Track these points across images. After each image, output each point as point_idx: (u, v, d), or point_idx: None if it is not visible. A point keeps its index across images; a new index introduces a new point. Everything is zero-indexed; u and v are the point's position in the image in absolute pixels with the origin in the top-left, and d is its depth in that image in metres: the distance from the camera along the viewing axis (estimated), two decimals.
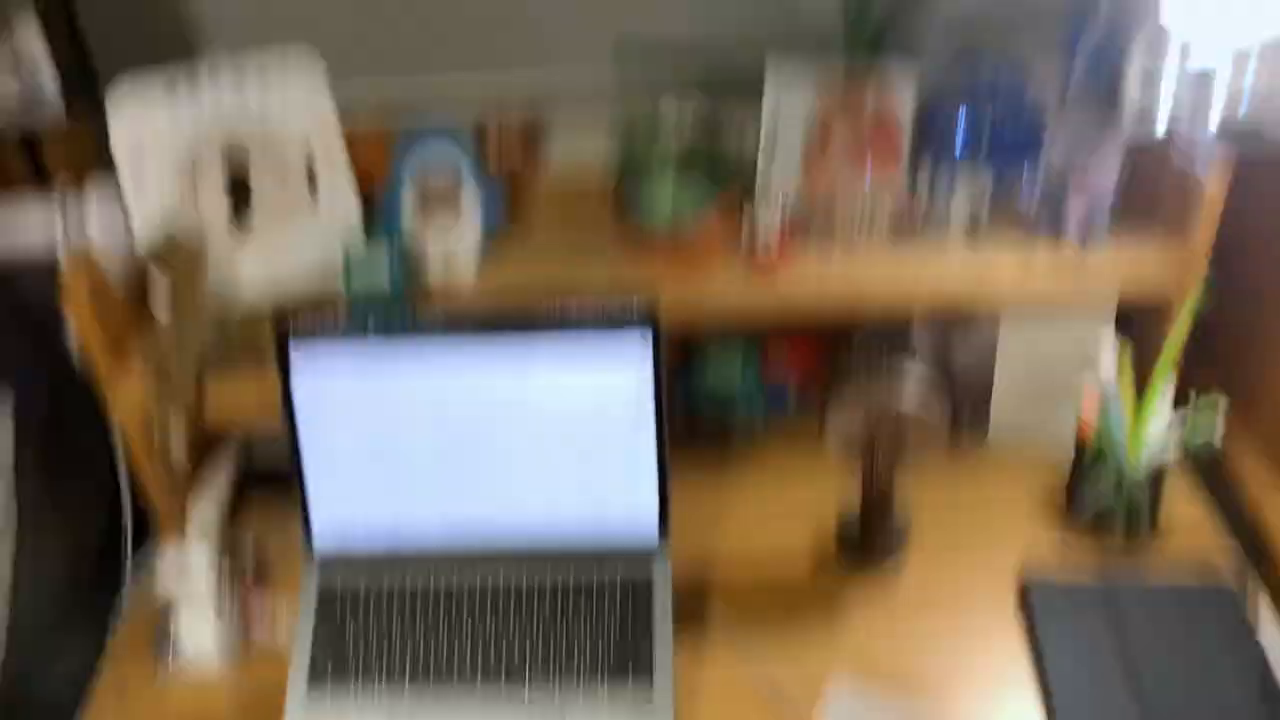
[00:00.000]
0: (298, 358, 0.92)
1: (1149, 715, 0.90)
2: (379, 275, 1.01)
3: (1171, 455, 1.02)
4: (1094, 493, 1.04)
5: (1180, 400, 1.04)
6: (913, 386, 0.94)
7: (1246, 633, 0.96)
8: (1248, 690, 0.91)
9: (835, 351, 1.18)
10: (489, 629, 0.93)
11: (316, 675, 0.92)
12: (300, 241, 1.06)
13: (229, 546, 1.07)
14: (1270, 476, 1.12)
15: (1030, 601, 0.99)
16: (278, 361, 0.92)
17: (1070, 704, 0.91)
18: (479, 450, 0.94)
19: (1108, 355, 1.03)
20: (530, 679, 0.90)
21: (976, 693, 0.94)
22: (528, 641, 0.92)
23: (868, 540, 1.04)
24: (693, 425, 1.22)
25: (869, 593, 1.03)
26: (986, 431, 1.18)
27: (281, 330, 0.92)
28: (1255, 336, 1.13)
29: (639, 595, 0.93)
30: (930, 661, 0.97)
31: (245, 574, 1.06)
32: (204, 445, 1.13)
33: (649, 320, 0.90)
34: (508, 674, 0.91)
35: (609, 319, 0.90)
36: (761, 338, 1.20)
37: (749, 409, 1.20)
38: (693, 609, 1.02)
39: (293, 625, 0.95)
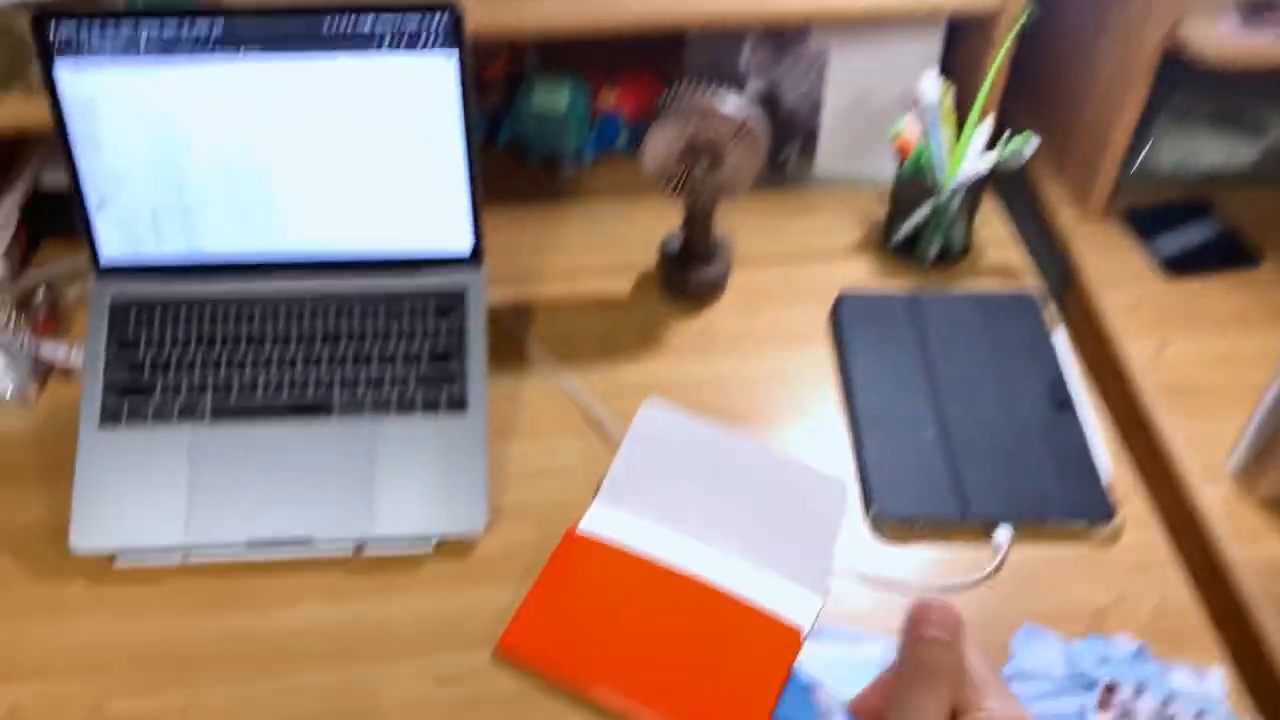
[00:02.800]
0: (66, 66, 0.83)
1: (945, 411, 0.94)
2: None
3: (984, 172, 1.03)
4: (910, 215, 1.05)
5: (996, 139, 1.05)
6: (736, 105, 0.91)
7: (1043, 336, 1.00)
8: (1040, 388, 0.96)
9: (668, 85, 1.15)
10: (294, 352, 0.89)
11: (110, 411, 0.86)
12: None
13: (18, 288, 1.00)
14: (1078, 207, 1.15)
15: (840, 313, 1.01)
16: (43, 71, 0.83)
17: (871, 404, 0.94)
18: (272, 167, 0.88)
19: (931, 86, 1.02)
20: (339, 405, 0.87)
21: (786, 412, 0.97)
22: (335, 364, 0.89)
23: (688, 269, 1.04)
24: (519, 158, 1.18)
25: (688, 322, 1.03)
26: (812, 170, 1.18)
27: (43, 34, 0.82)
28: (1070, 72, 1.14)
29: (452, 313, 0.91)
30: (745, 389, 0.98)
31: (38, 316, 0.99)
32: None
33: (454, 27, 0.84)
34: (315, 400, 0.87)
35: (410, 26, 0.84)
36: (594, 69, 1.15)
37: (578, 141, 1.17)
38: (511, 336, 1.00)
39: (83, 360, 0.90)
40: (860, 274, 1.08)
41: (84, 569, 0.84)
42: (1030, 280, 1.07)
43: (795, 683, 0.79)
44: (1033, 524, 0.88)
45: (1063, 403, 0.95)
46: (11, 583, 0.83)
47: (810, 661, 0.80)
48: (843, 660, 0.80)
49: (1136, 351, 1.02)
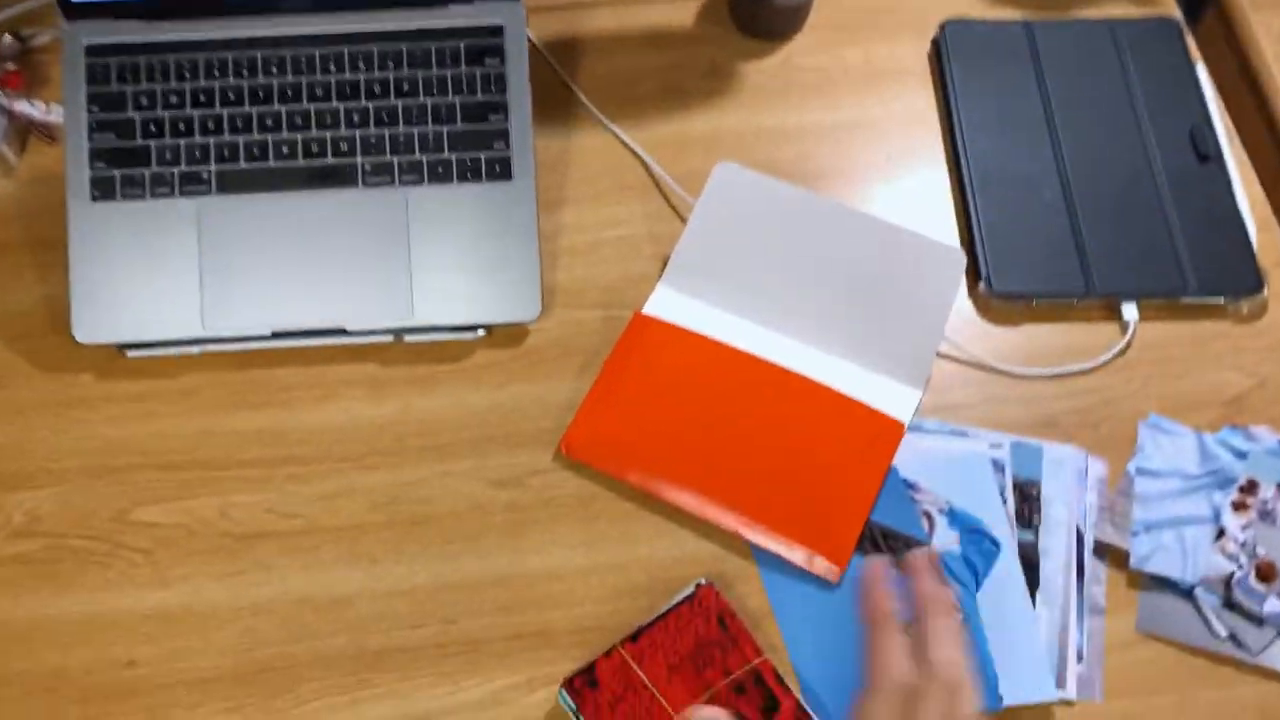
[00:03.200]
0: None
1: (1066, 166, 0.80)
2: None
3: None
4: None
5: None
6: None
7: (1186, 72, 0.84)
8: (1179, 136, 0.81)
9: None
10: (306, 109, 0.75)
11: (101, 183, 0.74)
12: None
13: None
14: None
15: (944, 47, 0.86)
16: None
17: (982, 158, 0.81)
18: None
19: None
20: (364, 172, 0.75)
21: (882, 169, 0.83)
22: (355, 124, 0.75)
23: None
24: None
25: (764, 61, 0.88)
26: None
27: None
28: None
29: (487, 57, 0.76)
30: (833, 142, 0.84)
31: (6, 68, 0.85)
32: None
33: None
34: (336, 166, 0.75)
35: None
36: None
37: None
38: (556, 83, 0.85)
39: (63, 116, 0.76)
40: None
41: (93, 360, 0.75)
42: (1167, 2, 0.90)
43: (893, 481, 0.70)
44: (1166, 300, 0.76)
45: (1206, 153, 0.81)
46: (13, 376, 0.74)
47: (907, 458, 0.71)
48: (944, 457, 0.71)
49: None
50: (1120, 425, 0.73)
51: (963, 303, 0.77)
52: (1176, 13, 0.88)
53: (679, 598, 0.64)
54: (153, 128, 0.75)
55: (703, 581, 0.65)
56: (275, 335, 0.73)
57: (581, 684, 0.62)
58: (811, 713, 0.62)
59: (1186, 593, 0.67)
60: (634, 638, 0.63)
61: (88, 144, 0.75)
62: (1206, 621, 0.66)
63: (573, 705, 0.62)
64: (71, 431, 0.73)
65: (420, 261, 0.73)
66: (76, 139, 0.75)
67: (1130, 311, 0.76)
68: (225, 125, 0.75)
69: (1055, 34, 0.86)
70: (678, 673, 0.62)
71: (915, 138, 0.84)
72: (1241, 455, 0.71)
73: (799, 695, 0.62)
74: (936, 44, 0.87)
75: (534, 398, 0.73)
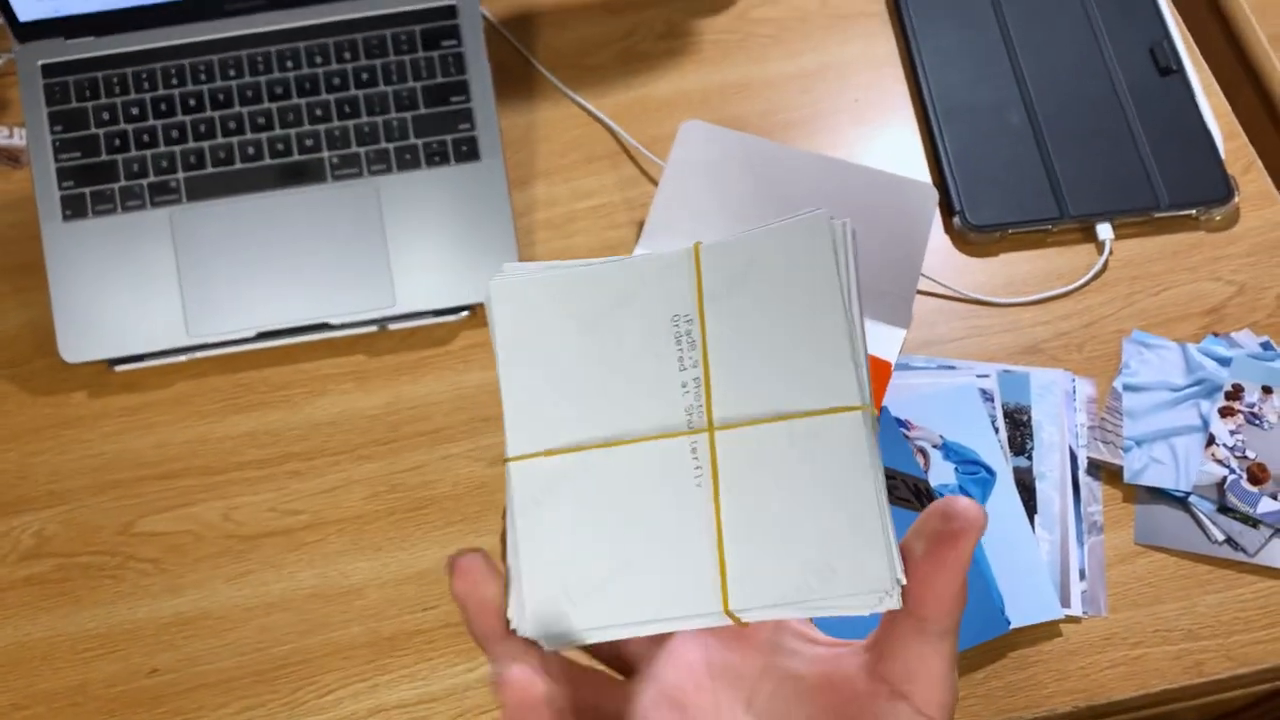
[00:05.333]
0: None
1: (1030, 91, 0.80)
2: None
3: None
4: None
5: None
6: None
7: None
8: (1139, 53, 0.82)
9: None
10: (267, 109, 0.75)
11: (71, 202, 0.74)
12: None
13: None
14: None
15: None
16: None
17: (945, 90, 0.81)
18: None
19: None
20: (332, 167, 0.75)
21: (846, 112, 0.83)
22: (318, 119, 0.75)
23: None
24: None
25: (719, 18, 0.87)
26: None
27: None
28: None
29: (443, 38, 0.76)
30: (795, 90, 0.84)
31: None
32: None
33: None
34: (304, 159, 0.75)
35: None
36: None
37: None
38: (513, 56, 0.85)
39: (26, 139, 0.77)
40: None
41: (83, 378, 0.75)
42: None
43: (884, 420, 0.71)
44: (1139, 216, 0.77)
45: (1166, 67, 0.81)
46: (6, 402, 0.75)
47: (897, 397, 0.72)
48: (933, 392, 0.72)
49: None
50: (1104, 345, 0.73)
51: (939, 238, 0.78)
52: None
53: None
54: (117, 142, 0.75)
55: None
56: (260, 336, 0.74)
57: None
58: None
59: (1181, 501, 0.68)
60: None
61: (54, 164, 0.75)
62: (1203, 528, 0.67)
63: None
64: (70, 451, 0.73)
65: (397, 249, 0.74)
66: (43, 160, 0.75)
67: (1105, 231, 0.76)
68: (189, 132, 0.75)
69: None
70: None
71: (878, 79, 0.84)
72: (1225, 362, 0.72)
73: None
74: None
75: None
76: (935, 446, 0.71)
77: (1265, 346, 0.73)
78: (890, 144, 0.81)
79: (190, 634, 0.67)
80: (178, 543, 0.70)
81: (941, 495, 0.68)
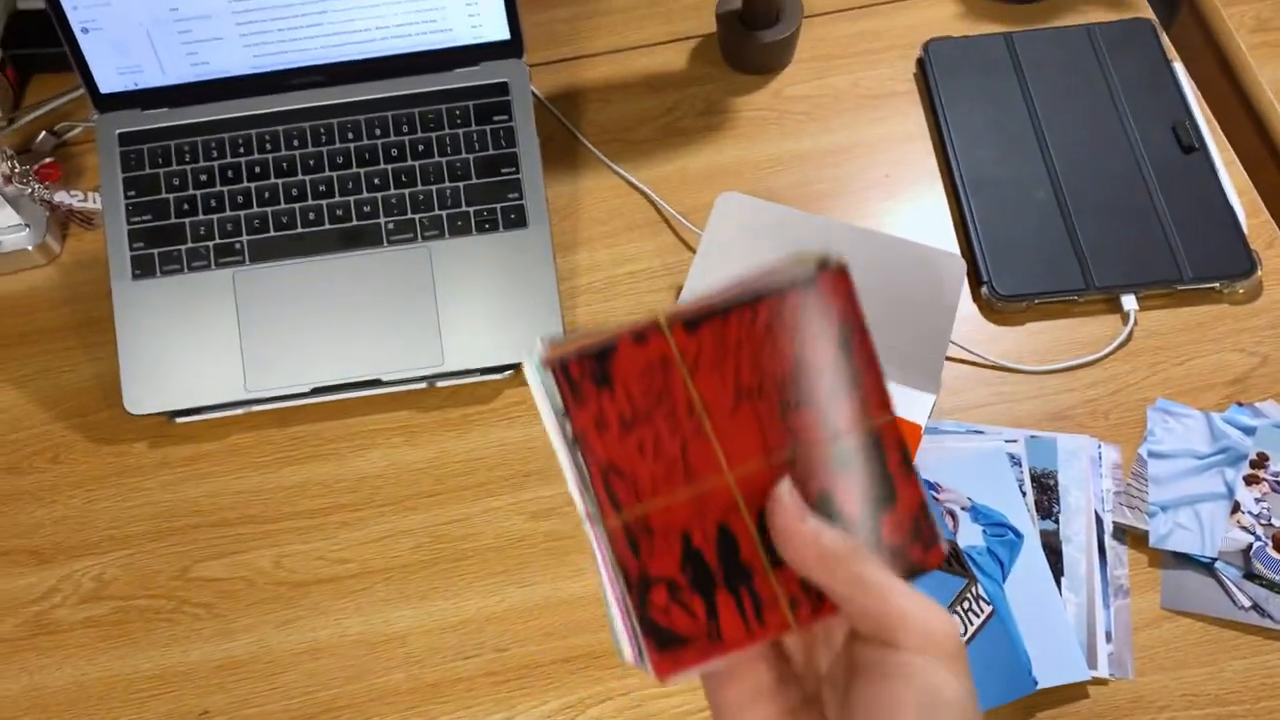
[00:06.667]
0: None
1: (1056, 167, 0.83)
2: None
3: None
4: None
5: None
6: None
7: (1163, 69, 0.87)
8: (1162, 130, 0.85)
9: None
10: (328, 177, 0.80)
11: (141, 262, 0.79)
12: None
13: (14, 131, 0.90)
14: None
15: (929, 64, 0.89)
16: None
17: (973, 165, 0.84)
18: None
19: None
20: (388, 232, 0.79)
21: (878, 186, 0.86)
22: (376, 188, 0.80)
23: (751, 32, 0.91)
24: None
25: (756, 95, 0.92)
26: None
27: None
28: None
29: (495, 114, 0.81)
30: (829, 164, 0.88)
31: (43, 160, 0.90)
32: None
33: None
34: (360, 228, 0.79)
35: None
36: None
37: None
38: (562, 132, 0.90)
39: (101, 202, 0.81)
40: (946, 17, 0.94)
41: (144, 430, 0.79)
42: (1140, 5, 0.94)
43: None
44: (1163, 288, 0.79)
45: (1189, 145, 0.84)
46: (73, 450, 0.79)
47: (927, 460, 0.74)
48: (962, 456, 0.74)
49: (1271, 75, 0.89)
50: (1130, 412, 0.75)
51: (968, 307, 0.80)
52: (1150, 13, 0.92)
53: (784, 277, 0.39)
54: (186, 206, 0.80)
55: (831, 259, 0.39)
56: (315, 391, 0.77)
57: (582, 373, 0.37)
58: (934, 513, 0.43)
59: (1207, 567, 0.69)
60: (692, 322, 0.38)
61: (126, 226, 0.80)
62: (1229, 593, 0.69)
63: (557, 395, 0.37)
64: (130, 498, 0.77)
65: (447, 310, 0.77)
66: (116, 222, 0.80)
67: (1130, 302, 0.79)
68: (254, 198, 0.80)
69: (1035, 42, 0.90)
70: (749, 402, 0.38)
71: (908, 154, 0.87)
72: (1250, 431, 0.74)
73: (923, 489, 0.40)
74: (921, 63, 0.91)
75: None
76: (964, 509, 0.72)
77: None
78: (920, 216, 0.84)
79: (241, 677, 0.70)
80: (231, 588, 0.73)
81: (970, 557, 0.70)
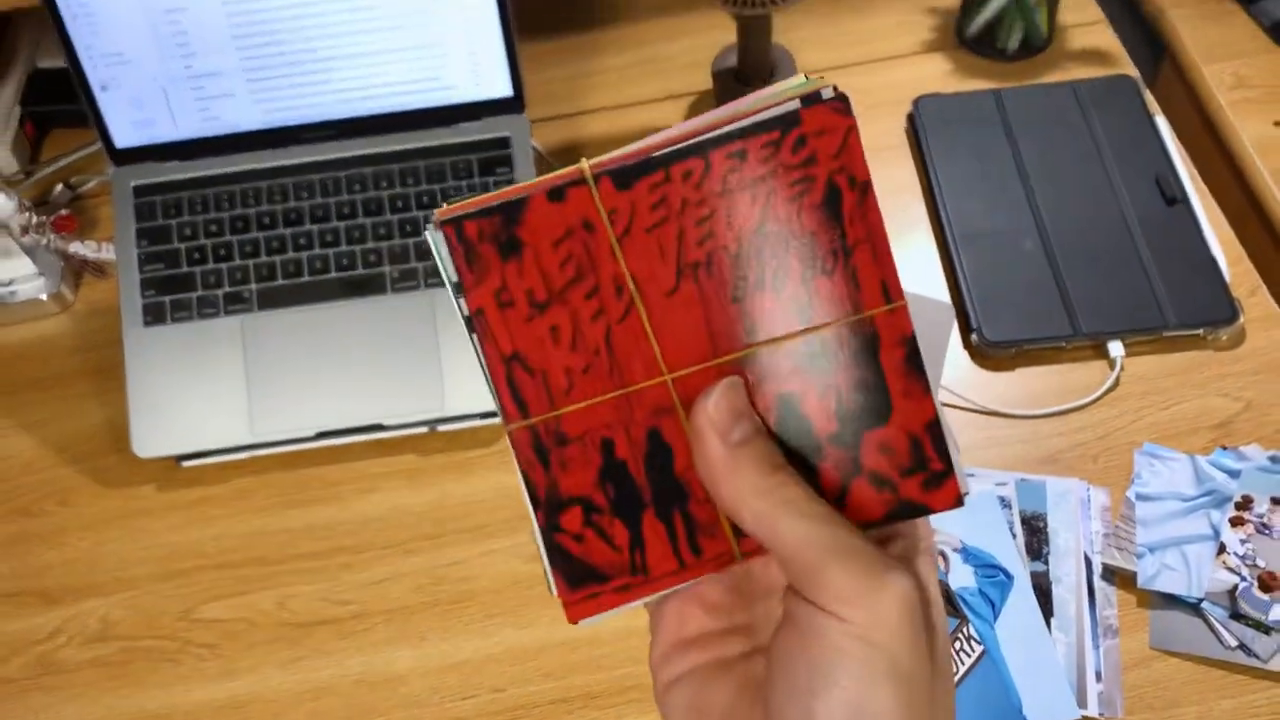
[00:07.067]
0: None
1: (1043, 218, 0.86)
2: None
3: None
4: (987, 4, 0.94)
5: None
6: None
7: (1146, 123, 0.90)
8: (1146, 183, 0.87)
9: None
10: (335, 227, 0.82)
11: (152, 309, 0.81)
12: None
13: (32, 184, 0.93)
14: None
15: (918, 120, 0.92)
16: None
17: (962, 217, 0.87)
18: (286, 26, 0.79)
19: None
20: (392, 276, 0.81)
21: None
22: (381, 237, 0.82)
23: (745, 89, 0.94)
24: None
25: None
26: None
27: None
28: None
29: (498, 167, 0.83)
30: None
31: (59, 212, 0.93)
32: None
33: None
34: (365, 276, 0.81)
35: None
36: None
37: None
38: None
39: (114, 249, 0.84)
40: (936, 74, 0.97)
41: (151, 473, 0.81)
42: (1124, 63, 0.97)
43: None
44: (1148, 335, 0.81)
45: (1172, 197, 0.86)
46: (81, 493, 0.80)
47: None
48: None
49: (1251, 131, 0.92)
50: (1117, 455, 0.77)
51: (959, 353, 0.82)
52: (1133, 70, 0.95)
53: (754, 117, 0.29)
54: (197, 255, 0.82)
55: (827, 92, 0.29)
56: (319, 436, 0.79)
57: (482, 236, 0.30)
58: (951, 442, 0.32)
59: (1194, 607, 0.70)
60: (624, 175, 0.29)
61: (139, 275, 0.82)
62: (1216, 633, 0.70)
63: (450, 264, 0.30)
64: (137, 541, 0.78)
65: (449, 356, 0.79)
66: (128, 272, 0.82)
67: (1116, 349, 0.81)
68: (263, 247, 0.82)
69: (1022, 99, 0.93)
70: (693, 280, 0.30)
71: (899, 204, 0.90)
72: (1234, 474, 0.75)
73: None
74: (911, 118, 0.94)
75: None
76: (955, 550, 0.74)
77: (1274, 460, 0.76)
78: (911, 263, 0.87)
79: (243, 716, 0.71)
80: (234, 629, 0.74)
81: (962, 598, 0.71)
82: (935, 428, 0.31)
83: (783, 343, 0.30)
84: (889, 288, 0.31)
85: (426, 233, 0.30)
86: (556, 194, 0.29)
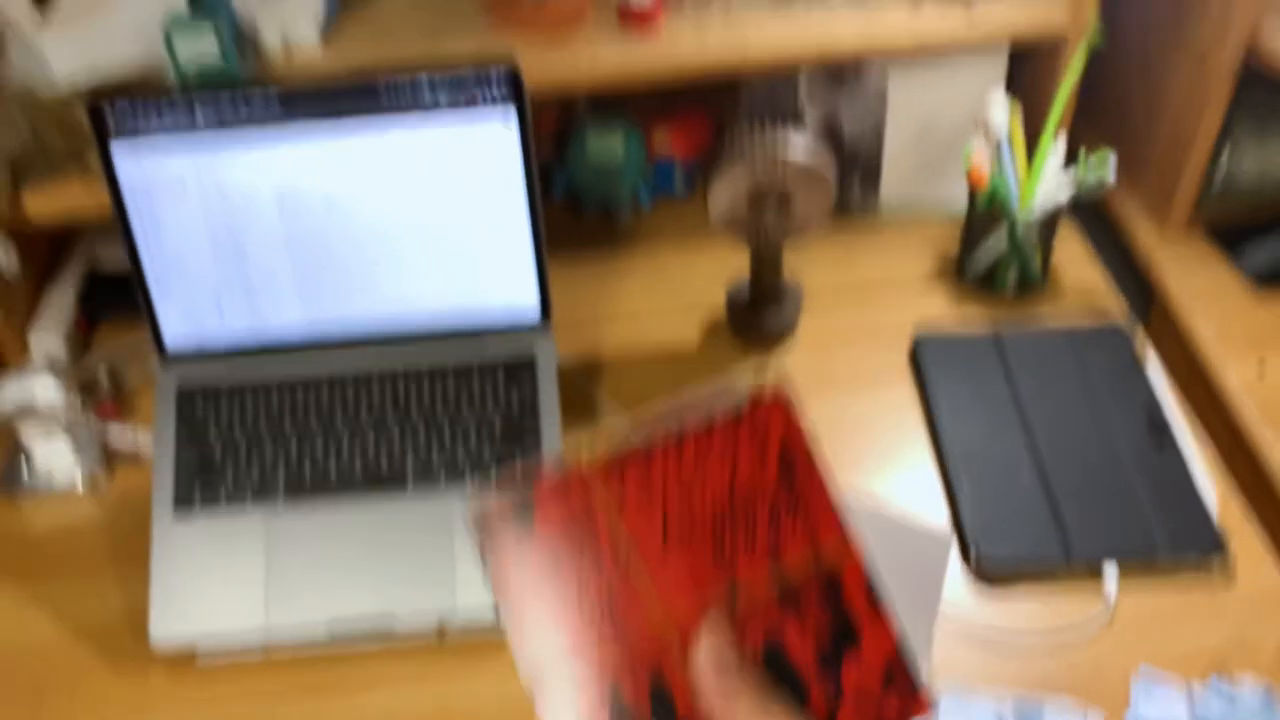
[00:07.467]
0: (122, 150, 0.82)
1: (1039, 450, 0.90)
2: (208, 50, 0.90)
3: (1063, 202, 1.00)
4: (986, 246, 1.02)
5: (1070, 159, 1.01)
6: (801, 148, 0.89)
7: (1136, 368, 0.96)
8: (1136, 421, 0.91)
9: (723, 126, 1.13)
10: (365, 425, 0.87)
11: (183, 495, 0.85)
12: (116, 15, 0.93)
13: (80, 372, 0.99)
14: (1156, 226, 1.11)
15: (920, 356, 0.98)
16: (100, 156, 0.83)
17: (961, 446, 0.91)
18: (334, 240, 0.86)
19: (999, 111, 0.99)
20: (414, 476, 0.85)
21: (872, 457, 0.93)
22: (408, 436, 0.86)
23: (757, 313, 1.01)
24: (576, 209, 1.16)
25: (762, 370, 1.00)
26: (877, 201, 1.15)
27: (99, 120, 0.81)
28: (1140, 89, 1.11)
29: (523, 378, 0.88)
30: (825, 436, 0.95)
31: (102, 399, 0.98)
32: (42, 259, 1.03)
33: (512, 87, 0.82)
34: (389, 474, 0.85)
35: (467, 90, 0.82)
36: (645, 114, 1.14)
37: (634, 189, 1.14)
38: (581, 392, 0.98)
39: (152, 441, 0.88)
40: (937, 306, 1.04)
41: (165, 666, 0.82)
42: (1114, 304, 1.03)
43: None
44: (1140, 562, 0.84)
45: (1161, 435, 0.90)
46: (93, 679, 0.81)
47: None
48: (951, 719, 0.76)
49: (1234, 374, 0.97)
50: (1113, 679, 0.78)
51: (957, 572, 0.85)
52: (1123, 319, 1.01)
53: (712, 411, 0.37)
54: (231, 449, 0.86)
55: (765, 391, 0.38)
56: (331, 630, 0.81)
57: (505, 525, 0.36)
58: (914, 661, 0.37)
59: None
60: (613, 465, 0.36)
61: (173, 465, 0.86)
62: None
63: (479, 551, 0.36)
64: None
65: (463, 555, 0.82)
66: (164, 461, 0.86)
67: (1111, 575, 0.83)
68: (294, 444, 0.86)
69: (1020, 342, 0.98)
70: (679, 541, 0.35)
71: (899, 431, 0.94)
72: (1231, 704, 0.76)
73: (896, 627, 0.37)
74: (914, 351, 0.99)
75: None
76: None
77: (1267, 694, 0.77)
78: (910, 487, 0.90)
79: None
80: None
81: None
82: (900, 650, 0.36)
83: (760, 588, 0.36)
84: (843, 539, 0.38)
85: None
86: (561, 488, 0.36)
